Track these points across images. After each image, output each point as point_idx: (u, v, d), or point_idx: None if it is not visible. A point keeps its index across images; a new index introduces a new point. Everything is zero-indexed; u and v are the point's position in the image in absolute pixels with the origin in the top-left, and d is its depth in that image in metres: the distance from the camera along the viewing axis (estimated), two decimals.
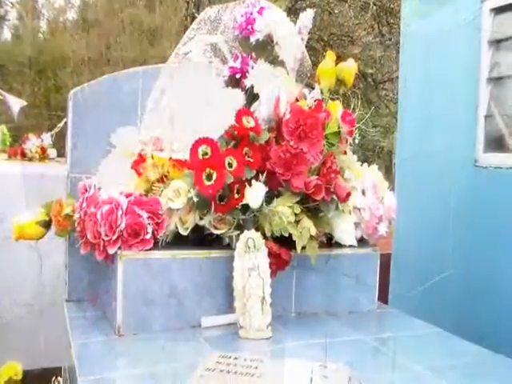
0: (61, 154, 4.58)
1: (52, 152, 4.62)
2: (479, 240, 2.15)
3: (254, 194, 1.47)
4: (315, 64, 1.86)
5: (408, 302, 2.42)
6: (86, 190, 1.58)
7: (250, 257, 1.46)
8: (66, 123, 1.82)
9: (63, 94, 9.52)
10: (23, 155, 4.43)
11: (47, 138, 4.74)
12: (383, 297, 1.79)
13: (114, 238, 1.45)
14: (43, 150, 4.54)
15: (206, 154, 1.45)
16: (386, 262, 1.78)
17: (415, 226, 2.51)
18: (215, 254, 1.54)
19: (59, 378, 2.53)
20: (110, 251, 1.46)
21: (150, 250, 1.47)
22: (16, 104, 4.70)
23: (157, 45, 11.46)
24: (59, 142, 4.82)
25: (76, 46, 11.63)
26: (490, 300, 2.09)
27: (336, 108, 1.76)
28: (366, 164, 1.82)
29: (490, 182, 2.12)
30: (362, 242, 1.73)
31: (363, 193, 1.76)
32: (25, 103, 4.85)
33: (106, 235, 1.46)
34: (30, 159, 4.39)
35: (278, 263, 1.52)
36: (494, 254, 2.07)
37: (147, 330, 1.46)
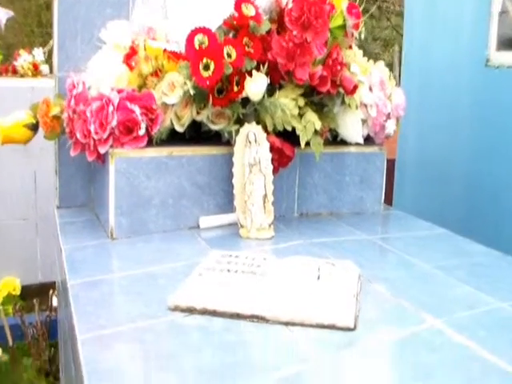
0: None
1: (45, 68, 4.46)
2: (489, 142, 2.06)
3: (255, 85, 1.37)
4: None
5: (412, 207, 2.36)
6: (74, 87, 1.47)
7: (251, 151, 1.37)
8: None
9: None
10: (15, 72, 4.27)
11: (39, 53, 4.56)
12: (387, 203, 1.71)
13: (105, 135, 1.35)
14: (35, 66, 4.37)
15: (203, 43, 1.34)
16: (389, 168, 1.70)
17: (420, 130, 2.41)
18: (214, 150, 1.45)
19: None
20: (101, 150, 1.36)
21: (143, 147, 1.37)
22: (3, 14, 4.51)
23: None
24: (52, 59, 4.66)
25: None
26: (497, 203, 2.02)
27: (340, 1, 1.62)
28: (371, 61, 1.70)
29: (503, 82, 2.02)
30: (367, 141, 1.64)
31: (370, 89, 1.65)
32: (12, 13, 4.66)
33: (97, 133, 1.36)
34: (22, 76, 4.23)
35: (280, 159, 1.43)
36: (504, 156, 1.98)
37: (142, 232, 1.38)
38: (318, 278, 1.09)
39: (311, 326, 0.94)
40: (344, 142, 1.63)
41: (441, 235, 1.50)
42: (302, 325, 0.94)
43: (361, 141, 1.61)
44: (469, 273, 1.22)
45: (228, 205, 1.46)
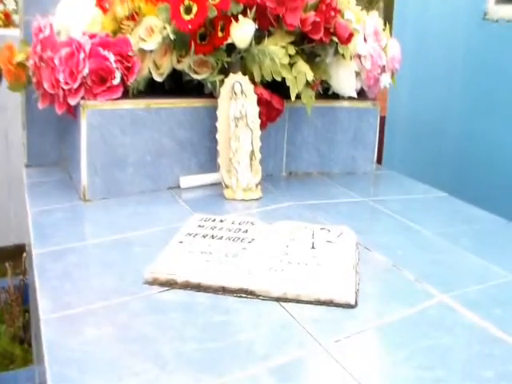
0: None
1: (17, 18, 4.24)
2: (485, 99, 1.96)
3: (242, 31, 1.23)
4: None
5: (402, 167, 2.26)
6: (41, 31, 1.32)
7: (237, 104, 1.25)
8: None
9: None
10: None
11: (10, 2, 4.34)
12: (376, 162, 1.61)
13: (76, 86, 1.22)
14: (7, 15, 4.15)
15: None
16: (380, 126, 1.60)
17: (412, 85, 2.29)
18: (196, 103, 1.33)
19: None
20: (72, 102, 1.23)
21: (118, 99, 1.24)
22: None
23: None
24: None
25: None
26: (490, 163, 1.93)
27: None
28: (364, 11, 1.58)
29: (502, 37, 1.89)
30: (360, 96, 1.53)
31: (364, 40, 1.52)
32: None
33: (66, 83, 1.22)
34: None
35: (268, 113, 1.31)
36: (500, 113, 1.90)
37: (117, 193, 1.26)
38: (313, 246, 0.98)
39: (307, 302, 0.83)
40: (336, 96, 1.51)
41: (440, 199, 1.40)
42: (297, 301, 0.83)
43: (354, 94, 1.49)
44: (474, 241, 1.12)
45: (211, 163, 1.35)
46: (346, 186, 1.42)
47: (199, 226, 1.06)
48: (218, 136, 1.28)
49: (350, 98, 1.51)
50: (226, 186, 1.28)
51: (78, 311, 0.79)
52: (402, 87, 2.26)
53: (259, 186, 1.29)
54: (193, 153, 1.34)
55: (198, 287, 0.85)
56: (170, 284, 0.86)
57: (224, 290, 0.85)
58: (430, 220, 1.21)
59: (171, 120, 1.30)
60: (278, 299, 0.84)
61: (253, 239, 1.00)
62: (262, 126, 1.30)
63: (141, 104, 1.27)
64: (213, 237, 1.01)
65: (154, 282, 0.87)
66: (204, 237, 1.01)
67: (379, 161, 1.66)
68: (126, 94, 1.26)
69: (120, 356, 0.69)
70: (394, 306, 0.85)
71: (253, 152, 1.27)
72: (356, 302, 0.84)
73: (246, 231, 1.04)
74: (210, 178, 1.35)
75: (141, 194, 1.28)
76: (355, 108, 1.53)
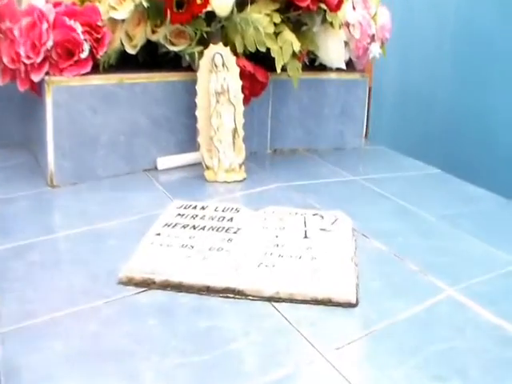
0: None
1: None
2: (477, 69, 1.88)
3: None
4: None
5: (390, 141, 2.17)
6: None
7: (218, 78, 1.15)
8: None
9: None
10: None
11: None
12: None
13: (39, 60, 1.11)
14: None
15: None
16: None
17: (399, 56, 2.19)
18: (173, 77, 1.23)
19: None
20: (35, 78, 1.13)
21: (87, 74, 1.13)
22: None
23: None
24: None
25: None
26: (482, 135, 1.85)
27: None
28: None
29: (492, 2, 1.82)
30: (347, 67, 1.44)
31: (353, 8, 1.42)
32: None
33: (28, 57, 1.12)
34: None
35: (252, 87, 1.21)
36: (492, 83, 1.83)
37: (88, 177, 1.15)
38: (305, 235, 0.89)
39: (302, 301, 0.74)
40: (322, 68, 1.42)
41: (433, 176, 1.32)
42: (291, 300, 0.74)
43: (343, 66, 1.40)
44: (476, 223, 1.04)
45: (190, 142, 1.25)
46: (335, 163, 1.34)
47: (179, 214, 0.96)
48: (197, 113, 1.17)
49: (338, 70, 1.42)
50: (207, 168, 1.18)
51: (42, 320, 0.68)
52: (389, 56, 2.17)
53: (243, 167, 1.19)
54: (170, 131, 1.24)
55: (179, 287, 0.76)
56: (148, 284, 0.76)
57: (209, 290, 0.75)
58: (427, 201, 1.13)
59: (146, 96, 1.20)
60: (269, 299, 0.74)
61: (238, 229, 0.91)
62: (245, 101, 1.20)
63: (112, 79, 1.16)
64: (194, 227, 0.91)
65: (129, 283, 0.77)
66: (184, 227, 0.91)
67: (365, 134, 1.58)
68: (95, 69, 1.16)
69: (90, 376, 0.60)
70: (399, 303, 0.76)
71: (235, 129, 1.17)
72: (357, 299, 0.75)
73: (231, 219, 0.94)
74: (189, 158, 1.25)
75: (114, 177, 1.18)
76: (343, 80, 1.44)
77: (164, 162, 1.23)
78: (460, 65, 1.95)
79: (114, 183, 1.15)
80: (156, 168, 1.23)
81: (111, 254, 0.85)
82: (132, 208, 1.03)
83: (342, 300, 0.74)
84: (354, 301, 0.74)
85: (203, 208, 0.99)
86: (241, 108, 1.17)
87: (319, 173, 1.27)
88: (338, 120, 1.45)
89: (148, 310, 0.72)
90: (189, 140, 1.25)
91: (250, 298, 0.75)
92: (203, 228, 0.90)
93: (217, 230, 0.90)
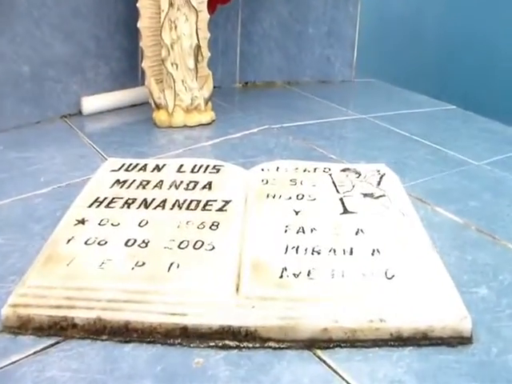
0: None
1: None
2: None
3: None
4: None
5: (376, 72, 1.93)
6: None
7: None
8: None
9: None
10: None
11: None
12: None
13: None
14: None
15: None
16: None
17: None
18: None
19: None
20: None
21: None
22: None
23: None
24: None
25: None
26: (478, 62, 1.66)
27: None
28: None
29: None
30: None
31: None
32: None
33: None
34: None
35: None
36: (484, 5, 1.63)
37: None
38: (344, 208, 0.51)
39: (372, 343, 0.38)
40: None
41: (451, 113, 1.08)
42: (352, 343, 0.37)
43: None
44: None
45: (130, 72, 0.95)
46: (329, 98, 1.09)
47: (117, 181, 0.57)
48: (139, 24, 0.79)
49: None
50: (158, 107, 0.83)
51: None
52: None
53: (209, 104, 0.82)
54: (99, 57, 0.93)
55: (126, 332, 0.38)
56: (61, 329, 0.38)
57: (185, 335, 0.38)
58: (467, 145, 0.86)
59: (61, 4, 0.86)
60: (310, 345, 0.37)
61: (225, 202, 0.53)
62: (210, 9, 0.85)
63: None
64: (146, 203, 0.52)
65: (21, 328, 0.38)
66: (128, 205, 0.52)
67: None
68: None
69: None
70: None
71: (198, 47, 0.78)
72: (471, 332, 0.39)
73: (209, 186, 0.56)
74: (129, 95, 0.93)
75: (17, 129, 0.83)
76: None
77: (92, 103, 0.92)
78: None
79: (18, 137, 0.81)
80: (80, 112, 0.93)
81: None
82: (40, 174, 0.66)
83: (449, 333, 0.38)
84: (468, 333, 0.38)
85: (158, 168, 0.60)
86: (206, 16, 0.81)
87: (314, 110, 1.03)
88: (324, 42, 1.21)
89: None
90: (128, 69, 0.95)
91: (272, 345, 0.38)
92: (162, 205, 0.52)
93: (188, 208, 0.51)
